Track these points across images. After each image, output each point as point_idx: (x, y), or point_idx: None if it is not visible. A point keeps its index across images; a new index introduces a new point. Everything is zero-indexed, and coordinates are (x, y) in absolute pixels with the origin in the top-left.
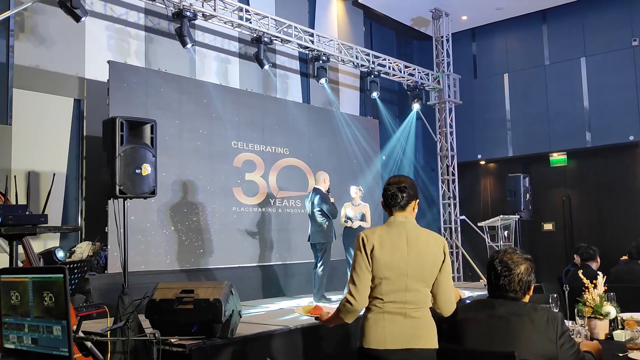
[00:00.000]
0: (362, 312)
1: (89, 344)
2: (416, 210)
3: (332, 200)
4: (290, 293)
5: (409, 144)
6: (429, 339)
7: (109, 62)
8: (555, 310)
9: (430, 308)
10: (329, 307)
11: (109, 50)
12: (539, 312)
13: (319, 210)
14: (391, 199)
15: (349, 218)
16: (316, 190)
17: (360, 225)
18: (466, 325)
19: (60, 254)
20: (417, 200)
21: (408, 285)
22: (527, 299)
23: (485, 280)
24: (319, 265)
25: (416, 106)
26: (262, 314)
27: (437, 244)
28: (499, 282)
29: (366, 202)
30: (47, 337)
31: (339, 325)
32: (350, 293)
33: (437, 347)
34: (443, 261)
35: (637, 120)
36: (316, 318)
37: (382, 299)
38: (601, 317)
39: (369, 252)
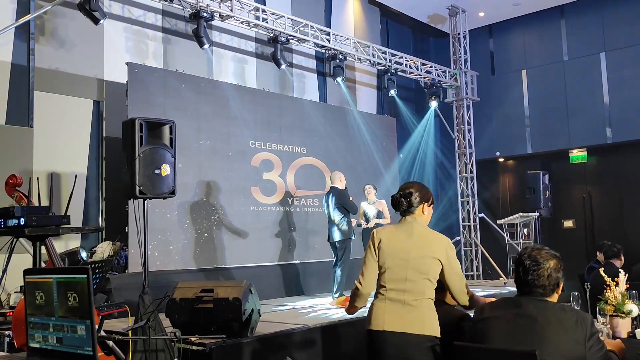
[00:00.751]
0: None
1: (110, 343)
2: (427, 212)
3: (350, 198)
4: (309, 292)
5: (428, 142)
6: (424, 327)
7: (127, 63)
8: (577, 307)
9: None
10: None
11: (127, 52)
12: (568, 313)
13: (337, 208)
14: (395, 205)
15: (367, 218)
16: (333, 189)
17: (376, 223)
18: (492, 323)
19: (83, 255)
20: (427, 203)
21: (408, 276)
22: (555, 297)
23: (505, 278)
24: (338, 264)
25: (434, 104)
26: (281, 313)
27: (440, 242)
28: (527, 277)
29: (383, 199)
30: (71, 336)
31: (359, 324)
32: (358, 279)
33: (434, 335)
34: (446, 257)
35: None
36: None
37: (385, 287)
38: (623, 315)
39: (376, 245)
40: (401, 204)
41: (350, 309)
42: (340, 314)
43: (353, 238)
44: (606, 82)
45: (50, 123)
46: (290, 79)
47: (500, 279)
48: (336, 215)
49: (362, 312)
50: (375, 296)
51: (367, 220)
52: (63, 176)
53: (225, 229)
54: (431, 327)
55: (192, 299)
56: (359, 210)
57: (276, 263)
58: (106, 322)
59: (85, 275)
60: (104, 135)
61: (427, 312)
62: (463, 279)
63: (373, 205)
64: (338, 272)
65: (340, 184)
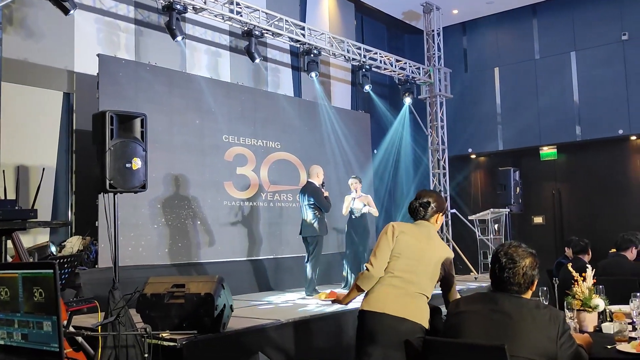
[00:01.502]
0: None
1: (79, 338)
2: (439, 221)
3: (326, 194)
4: (282, 287)
5: (403, 138)
6: (422, 317)
7: (98, 55)
8: (545, 302)
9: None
10: (312, 301)
11: (98, 43)
12: (542, 310)
13: (310, 204)
14: (413, 212)
15: (352, 212)
16: (309, 185)
17: (368, 211)
18: (467, 317)
19: (53, 249)
20: (441, 213)
21: (418, 270)
22: (529, 294)
23: (476, 273)
24: (309, 259)
25: (408, 100)
26: (254, 308)
27: (448, 253)
28: (503, 274)
29: (368, 194)
30: (37, 332)
31: (331, 319)
32: (370, 262)
33: (426, 327)
34: (449, 266)
35: (627, 114)
36: (333, 301)
37: (392, 273)
38: (590, 309)
39: (395, 235)
40: (419, 212)
41: (350, 297)
42: (313, 309)
43: (326, 234)
44: (576, 81)
45: (18, 115)
46: (264, 73)
47: (471, 273)
48: (309, 212)
49: (336, 307)
50: (379, 281)
51: (352, 214)
52: (31, 169)
53: (197, 223)
54: (426, 319)
55: (163, 295)
56: (332, 206)
57: (249, 258)
58: (75, 317)
59: (51, 271)
60: (74, 127)
61: (424, 305)
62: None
63: (359, 199)
64: (308, 268)
65: (317, 180)
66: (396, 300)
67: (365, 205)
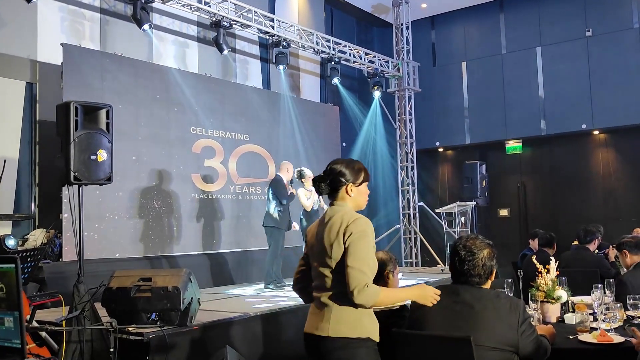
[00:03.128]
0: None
1: (43, 333)
2: (353, 194)
3: (291, 190)
4: (250, 280)
5: (373, 132)
6: (334, 329)
7: (62, 44)
8: (510, 294)
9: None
10: (278, 293)
11: (62, 32)
12: (502, 299)
13: (270, 196)
14: (318, 193)
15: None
16: (275, 177)
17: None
18: (430, 310)
19: (10, 242)
20: (352, 185)
21: (317, 271)
22: (489, 284)
23: (443, 265)
24: (268, 251)
25: (377, 94)
26: (221, 301)
27: (342, 224)
28: (463, 267)
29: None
30: None
31: (299, 311)
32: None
33: (341, 335)
34: (344, 241)
35: (590, 110)
36: None
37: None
38: (553, 301)
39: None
40: (321, 189)
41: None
42: (280, 302)
43: (285, 229)
44: (541, 76)
45: None
46: (233, 64)
47: (438, 265)
48: (271, 203)
49: (297, 300)
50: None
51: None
52: None
53: (164, 216)
54: (351, 328)
55: (130, 288)
56: (306, 199)
57: (217, 251)
58: (39, 312)
59: (13, 265)
60: (38, 118)
61: (337, 310)
62: (364, 265)
63: (310, 192)
64: (267, 259)
65: (286, 175)
66: (311, 315)
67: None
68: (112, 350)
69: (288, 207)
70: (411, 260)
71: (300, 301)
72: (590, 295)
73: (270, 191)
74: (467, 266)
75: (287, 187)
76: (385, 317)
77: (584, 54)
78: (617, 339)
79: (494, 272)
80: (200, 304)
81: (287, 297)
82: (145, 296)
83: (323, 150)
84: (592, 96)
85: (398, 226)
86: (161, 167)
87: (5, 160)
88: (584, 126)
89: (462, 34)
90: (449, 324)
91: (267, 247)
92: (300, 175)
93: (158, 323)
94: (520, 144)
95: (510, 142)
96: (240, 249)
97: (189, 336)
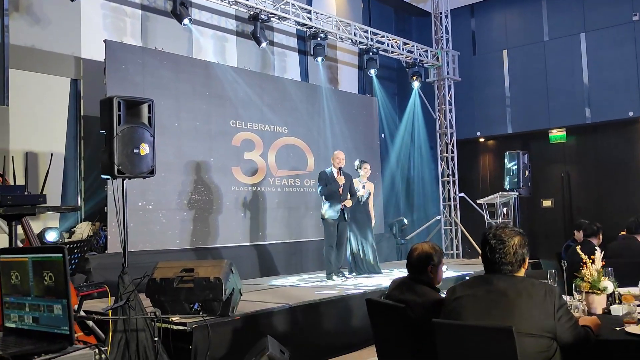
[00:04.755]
0: None
1: (90, 322)
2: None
3: (338, 178)
4: (290, 271)
5: (414, 122)
6: None
7: (105, 41)
8: (554, 285)
9: None
10: (340, 284)
11: (105, 29)
12: (537, 286)
13: (318, 189)
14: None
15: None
16: (326, 169)
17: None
18: (465, 301)
19: (51, 237)
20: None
21: None
22: (522, 272)
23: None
24: (324, 243)
25: (416, 84)
26: (262, 292)
27: None
28: (494, 256)
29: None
30: (47, 315)
31: (339, 302)
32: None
33: None
34: None
35: (637, 96)
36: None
37: None
38: (599, 292)
39: None
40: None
41: None
42: (322, 292)
43: (331, 219)
44: (586, 63)
45: (26, 101)
46: (271, 57)
47: (479, 257)
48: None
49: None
50: None
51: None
52: (40, 155)
53: (205, 209)
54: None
55: (173, 279)
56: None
57: (257, 243)
58: (86, 302)
59: (61, 254)
60: (82, 114)
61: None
62: None
63: (367, 185)
64: (323, 252)
65: (332, 165)
66: None
67: (369, 193)
68: (156, 339)
69: (338, 197)
70: (452, 252)
71: (338, 293)
72: (638, 286)
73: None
74: (498, 255)
75: (335, 177)
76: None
77: (630, 39)
78: None
79: (527, 260)
80: (241, 295)
81: (330, 287)
82: (187, 287)
83: (362, 142)
84: (639, 82)
85: (438, 217)
86: (202, 160)
87: (52, 154)
88: (630, 114)
89: (502, 22)
90: (484, 313)
91: (312, 239)
92: (358, 166)
93: (200, 313)
94: (564, 133)
95: (554, 131)
96: (279, 241)
97: (230, 326)
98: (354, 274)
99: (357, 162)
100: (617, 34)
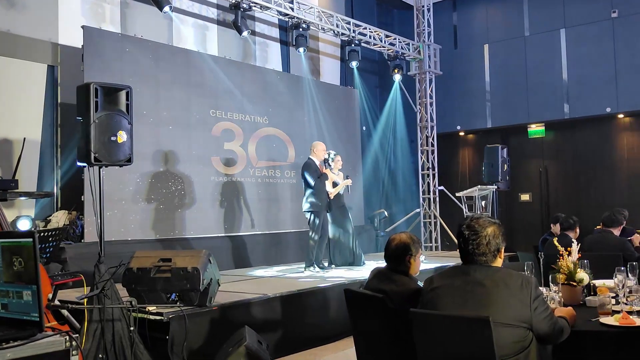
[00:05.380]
0: None
1: (65, 312)
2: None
3: (325, 170)
4: (270, 262)
5: (394, 115)
6: None
7: (83, 27)
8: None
9: None
10: (319, 275)
11: (83, 15)
12: (513, 276)
13: (302, 178)
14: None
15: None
16: (306, 161)
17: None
18: (442, 291)
19: (22, 225)
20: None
21: None
22: (498, 262)
23: None
24: (309, 234)
25: (397, 77)
26: (240, 283)
27: None
28: (468, 247)
29: (347, 172)
30: (17, 302)
31: (318, 293)
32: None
33: None
34: None
35: (615, 92)
36: None
37: None
38: (574, 283)
39: None
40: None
41: None
42: (299, 283)
43: (320, 211)
44: (565, 58)
45: (1, 88)
46: (252, 47)
47: (457, 249)
48: (304, 187)
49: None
50: None
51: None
52: (15, 142)
53: (184, 199)
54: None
55: (150, 269)
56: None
57: (236, 234)
58: (61, 292)
59: (31, 239)
60: (59, 101)
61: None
62: None
63: (337, 175)
64: (310, 242)
65: (314, 155)
66: None
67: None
68: (132, 329)
69: (323, 188)
70: (431, 244)
71: (316, 284)
72: (613, 278)
73: (305, 174)
74: (472, 245)
75: (319, 168)
76: (402, 300)
77: (609, 35)
78: None
79: (502, 250)
80: (219, 285)
81: (306, 278)
82: (165, 277)
83: (343, 134)
84: (617, 79)
85: (418, 210)
86: (181, 149)
87: (24, 139)
88: (608, 109)
89: (484, 16)
90: (461, 303)
91: (293, 230)
92: (331, 159)
93: (178, 303)
94: (543, 128)
95: (533, 126)
96: (259, 232)
97: (208, 316)
98: (334, 265)
99: (330, 154)
100: (596, 31)
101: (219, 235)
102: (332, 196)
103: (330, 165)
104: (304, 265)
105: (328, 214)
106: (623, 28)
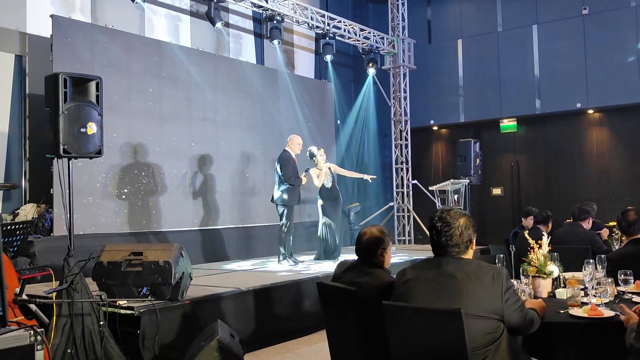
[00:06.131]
0: None
1: (33, 307)
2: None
3: (302, 176)
4: (242, 256)
5: (368, 108)
6: None
7: (52, 16)
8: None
9: None
10: (294, 269)
11: (51, 4)
12: (485, 268)
13: (279, 170)
14: None
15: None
16: (282, 152)
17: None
18: (414, 284)
19: None
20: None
21: None
22: (470, 253)
23: None
24: (280, 226)
25: (372, 71)
26: (213, 277)
27: None
28: (440, 239)
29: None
30: None
31: (291, 286)
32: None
33: None
34: None
35: (585, 88)
36: None
37: None
38: (545, 276)
39: None
40: None
41: None
42: (273, 277)
43: (294, 204)
44: (537, 54)
45: None
46: (226, 39)
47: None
48: (277, 179)
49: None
50: None
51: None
52: None
53: (156, 192)
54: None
55: (120, 262)
56: (317, 175)
57: (209, 227)
58: (29, 286)
59: None
60: (27, 92)
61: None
62: None
63: (321, 170)
64: (280, 234)
65: (290, 148)
66: None
67: (333, 174)
68: (101, 323)
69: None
70: (404, 237)
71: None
72: (582, 271)
73: (278, 166)
74: (444, 237)
75: (295, 161)
76: (374, 293)
77: (580, 32)
78: (608, 313)
79: (474, 241)
80: (192, 279)
81: (280, 271)
82: (136, 270)
83: (317, 127)
84: (588, 75)
85: (391, 204)
86: (153, 142)
87: None
88: (578, 105)
89: (457, 11)
90: (433, 296)
91: (267, 224)
92: (311, 155)
93: (149, 297)
94: (515, 123)
95: (505, 120)
96: (232, 225)
97: (180, 310)
98: (320, 260)
99: (308, 153)
100: (567, 27)
101: (192, 228)
102: (318, 186)
103: (314, 161)
104: (277, 259)
105: (319, 206)
106: (593, 25)
